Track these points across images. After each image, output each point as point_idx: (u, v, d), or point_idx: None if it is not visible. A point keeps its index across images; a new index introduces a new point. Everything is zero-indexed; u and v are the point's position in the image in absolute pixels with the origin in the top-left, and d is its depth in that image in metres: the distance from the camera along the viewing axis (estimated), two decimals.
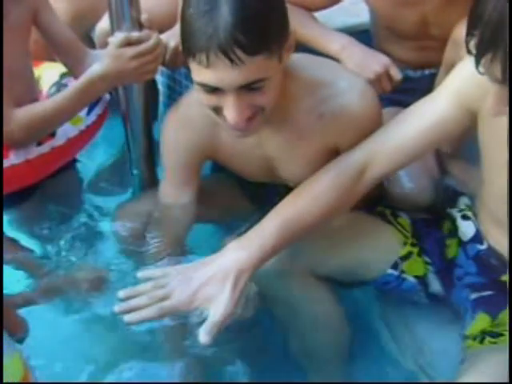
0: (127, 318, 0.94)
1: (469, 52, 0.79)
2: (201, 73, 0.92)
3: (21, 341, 0.92)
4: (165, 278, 0.98)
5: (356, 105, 1.04)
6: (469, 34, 0.78)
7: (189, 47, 0.91)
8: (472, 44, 0.77)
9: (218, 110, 0.97)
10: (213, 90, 0.93)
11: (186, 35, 0.92)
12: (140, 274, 1.02)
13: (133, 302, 0.96)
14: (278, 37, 0.93)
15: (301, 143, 1.10)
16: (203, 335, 0.91)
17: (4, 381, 0.68)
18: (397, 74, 1.32)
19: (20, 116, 1.27)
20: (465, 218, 1.15)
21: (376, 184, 1.08)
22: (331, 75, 1.07)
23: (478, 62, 0.77)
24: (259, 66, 0.90)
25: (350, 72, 1.17)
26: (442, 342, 1.15)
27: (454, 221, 1.16)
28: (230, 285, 0.94)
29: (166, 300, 0.95)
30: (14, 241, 1.34)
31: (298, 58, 1.05)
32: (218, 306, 0.93)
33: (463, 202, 1.18)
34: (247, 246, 0.98)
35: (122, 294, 0.97)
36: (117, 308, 0.96)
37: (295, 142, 1.11)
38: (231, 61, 0.87)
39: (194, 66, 0.93)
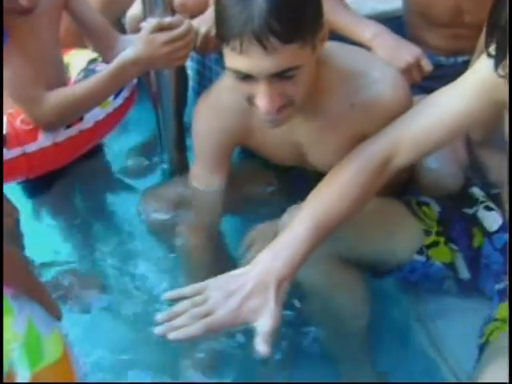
0: (173, 335, 0.91)
1: (489, 55, 0.79)
2: (234, 59, 0.92)
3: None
4: (201, 295, 0.96)
5: (388, 95, 1.04)
6: (488, 37, 0.78)
7: (223, 33, 0.91)
8: (492, 48, 0.77)
9: (250, 98, 0.98)
10: (245, 76, 0.93)
11: (220, 21, 0.92)
12: (167, 296, 0.99)
13: (176, 323, 0.92)
14: (313, 26, 0.93)
15: (331, 131, 1.11)
16: (262, 347, 0.90)
17: (45, 356, 0.70)
18: (427, 65, 1.31)
19: (52, 99, 1.29)
20: (488, 208, 1.15)
21: (403, 171, 1.08)
22: (364, 65, 1.07)
23: (497, 65, 0.78)
24: (292, 55, 0.90)
25: (383, 61, 1.16)
26: (463, 330, 1.15)
27: (477, 211, 1.16)
28: (273, 296, 0.93)
29: (210, 316, 0.92)
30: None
31: (330, 47, 1.05)
32: (266, 317, 0.92)
33: (479, 193, 1.18)
34: (280, 256, 0.96)
35: (160, 318, 0.93)
36: (158, 330, 0.92)
37: (326, 130, 1.11)
38: (265, 48, 0.87)
39: (227, 52, 0.93)
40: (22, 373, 0.67)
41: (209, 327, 0.91)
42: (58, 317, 0.81)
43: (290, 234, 0.99)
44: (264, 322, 0.92)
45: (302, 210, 1.02)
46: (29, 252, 1.31)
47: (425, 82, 1.34)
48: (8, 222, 1.23)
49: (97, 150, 1.62)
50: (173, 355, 1.17)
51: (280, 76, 0.92)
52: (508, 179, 0.92)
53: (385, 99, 1.04)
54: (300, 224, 0.99)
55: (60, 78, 1.45)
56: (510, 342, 0.86)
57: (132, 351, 1.16)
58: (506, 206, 1.11)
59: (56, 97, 1.30)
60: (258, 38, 0.87)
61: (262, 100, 0.94)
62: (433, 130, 1.00)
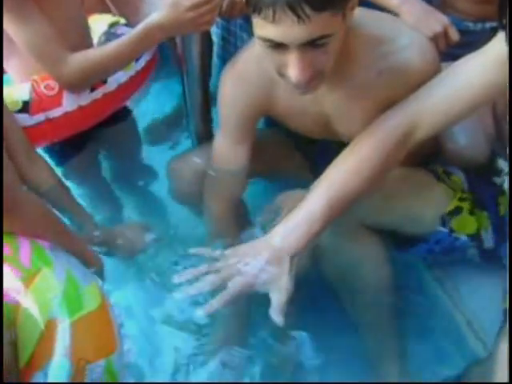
0: (200, 313, 0.95)
1: (502, 27, 0.78)
2: (265, 28, 0.91)
3: (99, 275, 0.95)
4: (219, 262, 1.00)
5: (416, 62, 1.02)
6: (501, 8, 0.77)
7: (255, 2, 0.90)
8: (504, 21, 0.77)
9: (280, 67, 0.97)
10: (276, 45, 0.92)
11: None
12: (193, 251, 1.04)
13: (193, 291, 0.96)
14: None
15: (358, 99, 1.09)
16: (277, 317, 0.94)
17: (84, 305, 0.72)
18: (454, 35, 1.29)
19: (76, 60, 1.29)
20: None
21: (427, 141, 1.07)
22: (392, 31, 1.05)
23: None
24: (324, 23, 0.89)
25: (411, 28, 1.14)
26: (487, 295, 1.17)
27: (504, 181, 1.16)
28: (286, 269, 0.97)
29: (225, 290, 0.96)
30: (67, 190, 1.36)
31: (357, 13, 1.02)
32: (279, 290, 0.96)
33: (504, 164, 1.18)
34: (294, 232, 0.99)
35: (177, 278, 0.98)
36: (178, 295, 0.97)
37: (353, 98, 1.10)
38: (298, 16, 0.86)
39: (258, 21, 0.92)
40: (62, 321, 0.69)
41: (226, 298, 0.95)
42: (98, 267, 0.83)
43: (305, 210, 1.00)
44: (278, 295, 0.95)
45: (319, 186, 1.02)
46: None
47: (452, 49, 1.32)
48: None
49: (123, 117, 1.62)
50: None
51: (312, 44, 0.91)
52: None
53: (413, 66, 1.02)
54: (316, 201, 1.01)
55: (84, 40, 1.45)
56: (510, 341, 0.87)
57: (160, 308, 1.18)
58: None
59: (80, 58, 1.30)
60: (291, 6, 0.86)
61: (294, 69, 0.93)
62: (454, 102, 0.99)
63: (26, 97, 1.33)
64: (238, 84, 1.19)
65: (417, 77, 1.03)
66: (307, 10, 0.86)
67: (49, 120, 1.35)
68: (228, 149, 1.27)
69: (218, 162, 1.29)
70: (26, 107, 1.32)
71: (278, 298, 0.95)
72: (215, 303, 0.94)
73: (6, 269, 0.73)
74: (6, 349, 0.63)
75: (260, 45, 0.96)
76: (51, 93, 1.34)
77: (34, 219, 0.81)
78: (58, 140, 1.43)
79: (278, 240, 0.99)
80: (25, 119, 1.32)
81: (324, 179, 1.03)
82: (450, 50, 1.31)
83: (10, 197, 0.72)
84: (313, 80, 0.97)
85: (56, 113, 1.35)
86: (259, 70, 1.11)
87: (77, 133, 1.43)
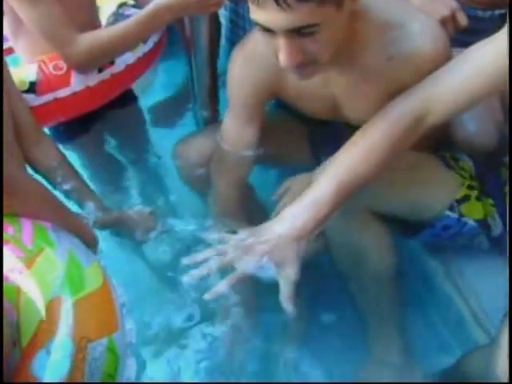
0: (207, 297, 0.95)
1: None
2: (254, 11, 0.92)
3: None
4: (226, 245, 1.00)
5: (427, 48, 1.01)
6: None
7: None
8: None
9: (274, 51, 0.97)
10: (265, 29, 0.93)
11: None
12: (206, 235, 1.04)
13: (199, 273, 0.96)
14: None
15: (368, 84, 1.08)
16: (286, 304, 0.95)
17: (87, 285, 0.73)
18: (463, 20, 1.27)
19: (84, 40, 1.30)
20: None
21: (436, 128, 1.06)
22: (402, 16, 1.04)
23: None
24: (309, 12, 0.87)
25: (422, 12, 1.11)
26: (492, 284, 1.16)
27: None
28: (292, 254, 0.96)
29: (232, 273, 0.96)
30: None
31: None
32: (285, 276, 0.96)
33: None
34: (302, 217, 0.98)
35: (186, 261, 0.99)
36: (186, 278, 0.97)
37: (362, 83, 1.09)
38: (278, 4, 0.86)
39: (250, 4, 0.92)
40: (65, 300, 0.70)
41: (232, 281, 0.95)
42: (93, 244, 0.84)
43: (313, 194, 1.00)
44: (285, 282, 0.95)
45: (328, 169, 1.02)
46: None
47: (461, 36, 1.30)
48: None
49: (130, 98, 1.64)
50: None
51: (298, 32, 0.90)
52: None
53: (424, 52, 1.01)
54: (324, 185, 1.00)
55: (93, 21, 1.45)
56: (510, 341, 0.86)
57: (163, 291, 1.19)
58: None
59: (89, 38, 1.30)
60: None
61: (282, 55, 0.94)
62: (466, 88, 0.98)
63: (32, 77, 1.33)
64: (247, 65, 1.19)
65: (427, 63, 1.02)
66: None
67: (56, 100, 1.36)
68: (236, 130, 1.27)
69: (226, 143, 1.29)
70: (32, 87, 1.32)
71: (285, 285, 0.95)
72: (221, 287, 0.95)
73: (9, 249, 0.73)
74: (7, 330, 0.64)
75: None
76: (60, 72, 1.35)
77: (34, 200, 0.82)
78: (64, 120, 1.43)
79: (285, 223, 0.99)
80: (32, 99, 1.32)
81: (333, 163, 1.02)
82: (460, 37, 1.30)
83: (10, 180, 0.73)
84: (305, 67, 0.97)
85: (64, 92, 1.35)
86: (268, 52, 1.10)
87: (84, 113, 1.43)
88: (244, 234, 1.01)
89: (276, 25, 0.90)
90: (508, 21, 0.69)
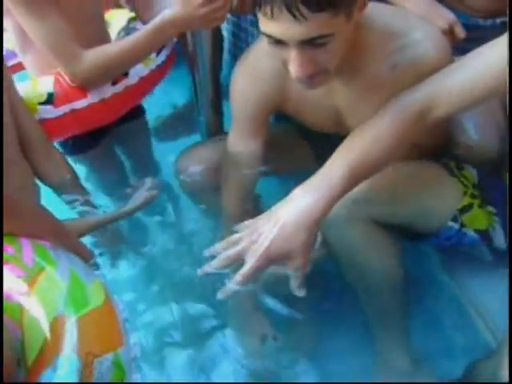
0: (220, 295, 0.97)
1: None
2: (266, 24, 0.92)
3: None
4: (238, 234, 1.01)
5: (430, 56, 1.02)
6: None
7: None
8: None
9: (284, 62, 0.98)
10: (277, 41, 0.94)
11: None
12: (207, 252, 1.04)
13: (212, 267, 0.98)
14: None
15: (371, 94, 1.09)
16: (297, 290, 0.96)
17: (90, 302, 0.74)
18: (461, 33, 1.28)
19: (90, 56, 1.31)
20: None
21: (438, 135, 1.06)
22: (405, 25, 1.05)
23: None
24: (323, 23, 0.89)
25: (424, 21, 1.12)
26: (498, 288, 1.14)
27: None
28: (304, 237, 0.95)
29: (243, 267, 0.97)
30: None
31: (370, 7, 1.02)
32: (296, 261, 0.95)
33: None
34: (313, 195, 0.97)
35: (207, 252, 1.01)
36: (200, 271, 0.99)
37: (366, 92, 1.10)
38: (294, 16, 0.87)
39: (260, 16, 0.93)
40: (69, 318, 0.71)
41: (244, 277, 0.95)
42: (87, 258, 0.85)
43: (325, 175, 0.99)
44: (296, 268, 0.95)
45: (337, 152, 1.02)
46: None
47: (462, 44, 1.31)
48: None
49: (139, 111, 1.66)
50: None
51: (311, 43, 0.92)
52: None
53: (427, 60, 1.02)
54: (335, 166, 0.99)
55: (101, 36, 1.47)
56: (510, 341, 0.87)
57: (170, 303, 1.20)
58: None
59: (94, 55, 1.31)
60: (287, 6, 0.86)
61: (293, 66, 0.95)
62: (473, 84, 0.98)
63: (50, 89, 1.34)
64: (250, 79, 1.19)
65: (430, 71, 1.02)
66: (303, 10, 0.87)
67: (74, 112, 1.36)
68: (242, 140, 1.27)
69: (232, 157, 1.30)
70: (50, 99, 1.33)
71: (296, 271, 0.95)
72: (234, 285, 0.95)
73: (10, 269, 0.75)
74: (12, 347, 0.65)
75: (265, 40, 0.97)
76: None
77: (30, 220, 0.83)
78: (79, 132, 1.44)
79: (295, 207, 0.97)
80: (49, 111, 1.34)
81: (343, 147, 1.02)
82: (461, 45, 1.30)
83: (5, 201, 0.74)
84: (315, 77, 0.98)
85: (81, 104, 1.36)
86: (271, 65, 1.12)
87: (99, 126, 1.44)
88: (254, 222, 1.01)
89: (290, 37, 0.91)
90: (508, 24, 0.69)
